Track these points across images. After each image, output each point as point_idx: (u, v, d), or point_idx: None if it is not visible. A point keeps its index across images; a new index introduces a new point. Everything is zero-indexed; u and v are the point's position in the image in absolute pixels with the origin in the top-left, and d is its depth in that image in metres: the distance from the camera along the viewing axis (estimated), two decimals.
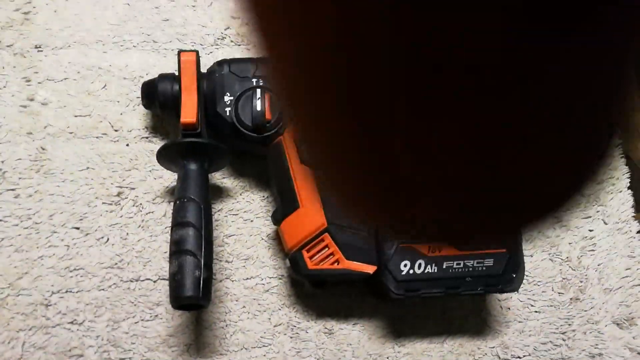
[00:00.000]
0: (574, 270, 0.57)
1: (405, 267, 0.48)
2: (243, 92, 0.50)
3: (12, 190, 0.52)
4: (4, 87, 0.54)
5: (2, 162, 0.53)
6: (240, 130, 0.50)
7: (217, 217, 0.54)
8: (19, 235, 0.52)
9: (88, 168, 0.54)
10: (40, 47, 0.55)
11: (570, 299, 0.57)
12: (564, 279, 0.57)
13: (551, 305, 0.56)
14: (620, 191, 0.60)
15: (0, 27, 0.55)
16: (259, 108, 0.49)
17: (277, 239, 0.54)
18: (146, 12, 0.58)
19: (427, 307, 0.55)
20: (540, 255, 0.57)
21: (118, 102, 0.55)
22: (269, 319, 0.53)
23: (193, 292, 0.44)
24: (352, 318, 0.54)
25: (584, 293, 0.57)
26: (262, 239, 0.55)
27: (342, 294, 0.54)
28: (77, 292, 0.51)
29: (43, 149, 0.53)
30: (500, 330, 0.55)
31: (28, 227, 0.52)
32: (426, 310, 0.55)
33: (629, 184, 0.60)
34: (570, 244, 0.58)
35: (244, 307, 0.53)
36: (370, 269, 0.48)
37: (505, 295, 0.56)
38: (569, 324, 0.56)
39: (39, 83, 0.55)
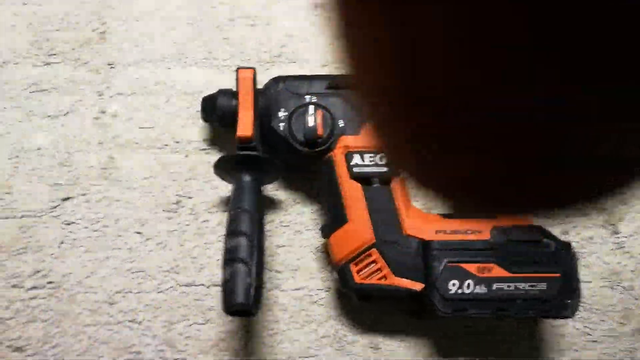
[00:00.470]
0: (637, 299, 0.54)
1: (453, 286, 0.47)
2: (296, 109, 0.52)
3: (84, 195, 0.57)
4: (80, 100, 0.59)
5: (76, 168, 0.57)
6: (293, 145, 0.51)
7: (268, 227, 0.56)
8: (89, 237, 0.56)
9: (151, 177, 0.57)
10: (112, 64, 0.60)
11: (633, 330, 0.54)
12: (626, 308, 0.54)
13: (611, 336, 0.53)
14: None
15: (79, 45, 0.60)
16: (311, 124, 0.51)
17: (326, 251, 0.55)
18: (208, 31, 0.61)
19: (475, 328, 0.54)
20: (599, 282, 0.55)
21: (180, 115, 0.59)
22: (316, 330, 0.54)
23: (244, 299, 0.46)
24: (399, 334, 0.54)
25: None
26: (311, 251, 0.56)
27: (389, 309, 0.54)
28: (137, 293, 0.54)
29: (112, 158, 0.58)
30: (553, 358, 0.53)
31: (97, 230, 0.56)
32: (474, 331, 0.54)
33: None
34: (632, 271, 0.55)
35: (291, 316, 0.54)
36: (417, 286, 0.48)
37: (559, 321, 0.54)
38: (632, 357, 0.53)
39: (110, 97, 0.59)
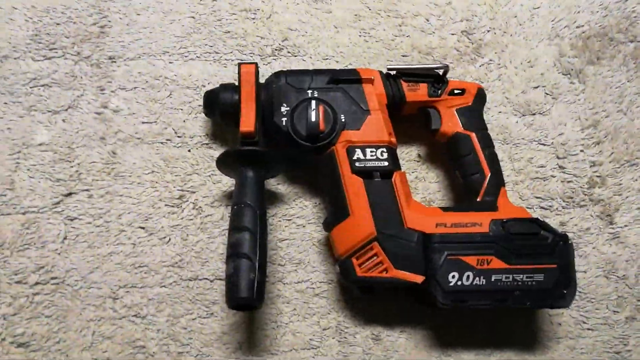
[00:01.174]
0: (631, 288, 0.56)
1: (453, 278, 0.48)
2: (299, 103, 0.52)
3: (87, 190, 0.57)
4: (82, 95, 0.59)
5: (79, 164, 0.57)
6: (295, 140, 0.52)
7: (271, 221, 0.57)
8: (92, 232, 0.56)
9: (153, 172, 0.57)
10: (113, 59, 0.60)
11: (626, 317, 0.55)
12: (619, 297, 0.56)
13: (605, 324, 0.55)
14: None
15: (79, 39, 0.60)
16: (313, 119, 0.51)
17: (328, 244, 0.56)
18: (209, 25, 0.61)
19: (474, 319, 0.55)
20: (595, 272, 0.56)
21: (182, 110, 0.59)
22: (318, 322, 0.55)
23: (247, 294, 0.46)
24: (400, 325, 0.55)
25: None
26: (314, 244, 0.57)
27: (390, 301, 0.55)
28: (141, 288, 0.55)
29: (114, 153, 0.58)
30: (550, 346, 0.54)
31: (100, 225, 0.56)
32: (474, 322, 0.55)
33: None
34: (627, 261, 0.57)
35: (294, 309, 0.55)
36: (418, 278, 0.49)
37: (556, 310, 0.55)
38: (625, 344, 0.54)
39: (112, 92, 0.59)
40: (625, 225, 0.58)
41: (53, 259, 0.55)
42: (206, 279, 0.55)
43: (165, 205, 0.57)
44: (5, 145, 0.57)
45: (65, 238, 0.56)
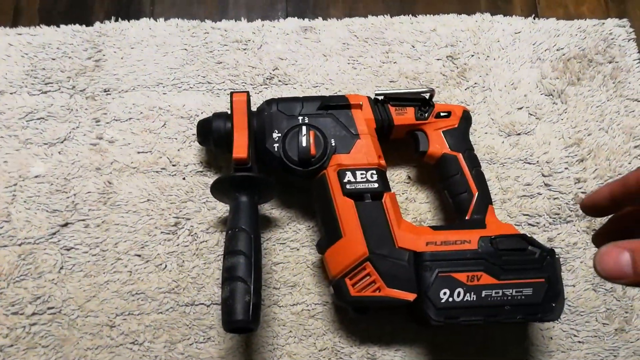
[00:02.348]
0: (619, 300, 0.57)
1: (444, 295, 0.49)
2: (290, 129, 0.54)
3: (83, 220, 0.58)
4: (77, 127, 0.60)
5: (75, 195, 0.58)
6: (287, 165, 0.53)
7: (265, 245, 0.58)
8: (88, 261, 0.57)
9: (149, 200, 0.58)
10: (108, 91, 0.61)
11: (616, 329, 0.56)
12: (608, 309, 0.57)
13: (595, 336, 0.56)
14: None
15: (75, 73, 0.62)
16: (304, 144, 0.53)
17: (322, 267, 0.57)
18: (201, 56, 0.63)
19: (468, 335, 0.56)
20: (584, 285, 0.58)
21: (176, 139, 0.60)
22: (314, 343, 0.55)
23: (243, 316, 0.47)
24: (394, 344, 0.55)
25: (629, 324, 0.56)
26: (308, 266, 0.57)
27: (384, 320, 0.56)
28: (138, 315, 0.55)
29: (110, 183, 0.59)
30: (542, 359, 0.55)
31: (96, 255, 0.57)
32: (467, 338, 0.56)
33: None
34: None
35: (290, 331, 0.56)
36: (410, 296, 0.50)
37: (547, 324, 0.56)
38: (615, 356, 0.55)
39: (107, 123, 0.61)
40: None
41: (50, 289, 0.56)
42: (202, 304, 0.56)
43: (161, 232, 0.58)
44: (1, 178, 0.58)
45: (61, 268, 0.56)
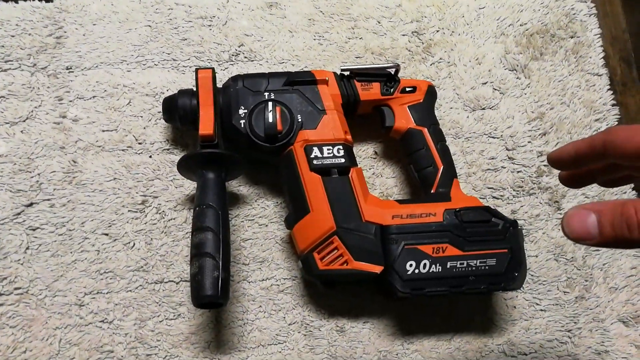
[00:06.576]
0: (579, 269, 0.59)
1: (410, 267, 0.50)
2: (256, 106, 0.54)
3: (48, 200, 0.57)
4: (40, 106, 0.59)
5: (39, 174, 0.57)
6: (254, 141, 0.53)
7: (234, 222, 0.58)
8: (55, 241, 0.56)
9: (115, 179, 0.58)
10: (71, 68, 0.60)
11: (576, 297, 0.58)
12: (569, 278, 0.59)
13: (557, 304, 0.58)
14: (625, 192, 0.62)
15: (35, 51, 0.60)
16: (270, 120, 0.53)
17: (291, 242, 0.57)
18: (166, 33, 0.62)
19: (434, 306, 0.57)
20: (546, 255, 0.59)
21: (141, 117, 0.60)
22: (284, 317, 0.56)
23: (212, 291, 0.47)
24: (363, 317, 0.56)
25: (589, 292, 0.58)
26: (277, 242, 0.58)
27: (352, 293, 0.57)
28: (107, 293, 0.55)
29: (74, 162, 0.58)
30: (506, 328, 0.57)
31: (62, 234, 0.56)
32: (433, 309, 0.57)
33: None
34: (574, 244, 0.60)
35: (260, 306, 0.56)
36: (377, 269, 0.51)
37: (510, 294, 0.58)
38: (575, 322, 0.57)
39: (70, 101, 0.60)
40: None
41: (16, 269, 0.55)
42: (172, 281, 0.56)
43: (129, 211, 0.57)
44: None
45: (27, 248, 0.56)
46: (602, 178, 0.40)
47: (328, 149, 0.54)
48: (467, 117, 0.63)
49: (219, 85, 0.56)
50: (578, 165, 0.38)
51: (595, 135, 0.34)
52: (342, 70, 0.57)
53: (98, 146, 0.59)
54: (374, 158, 0.62)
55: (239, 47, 0.63)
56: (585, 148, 0.35)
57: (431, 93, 0.58)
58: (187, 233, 0.57)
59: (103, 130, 0.59)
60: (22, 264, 0.55)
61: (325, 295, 0.57)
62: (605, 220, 0.27)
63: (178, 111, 0.55)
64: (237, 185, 0.59)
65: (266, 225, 0.58)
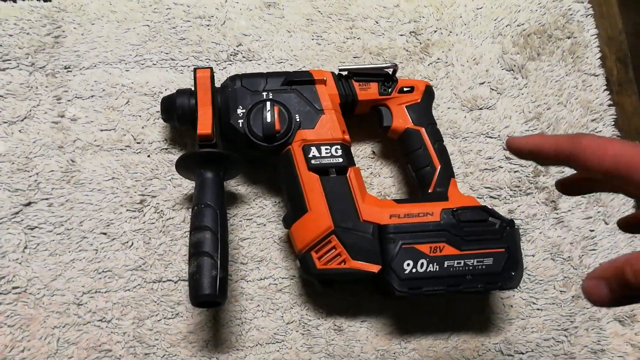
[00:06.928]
0: (576, 269, 0.59)
1: (408, 266, 0.51)
2: (254, 105, 0.54)
3: (46, 199, 0.57)
4: (38, 105, 0.59)
5: (37, 174, 0.58)
6: (252, 141, 0.54)
7: (232, 221, 0.58)
8: (53, 240, 0.56)
9: (113, 178, 0.58)
10: (69, 68, 0.60)
11: (572, 296, 0.58)
12: (565, 277, 0.59)
13: (553, 303, 0.58)
14: (624, 203, 0.62)
15: (33, 50, 0.60)
16: (269, 119, 0.53)
17: (289, 241, 0.58)
18: (164, 32, 0.62)
19: (431, 305, 0.57)
20: (542, 255, 0.60)
21: (140, 116, 0.60)
22: (282, 316, 0.56)
23: (210, 290, 0.47)
24: (360, 316, 0.57)
25: None
26: (275, 241, 0.58)
27: (350, 293, 0.57)
28: (105, 293, 0.55)
29: (73, 162, 0.58)
30: (503, 327, 0.57)
31: (60, 233, 0.56)
32: (431, 308, 0.57)
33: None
34: (571, 243, 0.60)
35: (258, 305, 0.56)
36: (375, 268, 0.51)
37: (507, 293, 0.58)
38: (571, 321, 0.58)
39: (69, 101, 0.60)
40: (569, 210, 0.61)
41: (14, 269, 0.55)
42: (170, 280, 0.56)
43: (127, 210, 0.57)
44: None
45: (25, 247, 0.56)
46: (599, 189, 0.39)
47: (326, 149, 0.54)
48: (465, 117, 0.63)
49: (218, 84, 0.56)
50: (538, 163, 0.36)
51: (561, 139, 0.32)
52: (340, 70, 0.57)
53: (96, 145, 0.59)
54: (372, 158, 0.62)
55: (237, 46, 0.63)
56: (549, 150, 0.32)
57: (429, 93, 0.58)
58: (185, 232, 0.57)
59: (101, 130, 0.59)
60: (20, 263, 0.55)
61: (323, 295, 0.57)
62: (612, 284, 0.28)
63: (176, 111, 0.55)
64: (236, 185, 0.59)
65: (264, 225, 0.58)
